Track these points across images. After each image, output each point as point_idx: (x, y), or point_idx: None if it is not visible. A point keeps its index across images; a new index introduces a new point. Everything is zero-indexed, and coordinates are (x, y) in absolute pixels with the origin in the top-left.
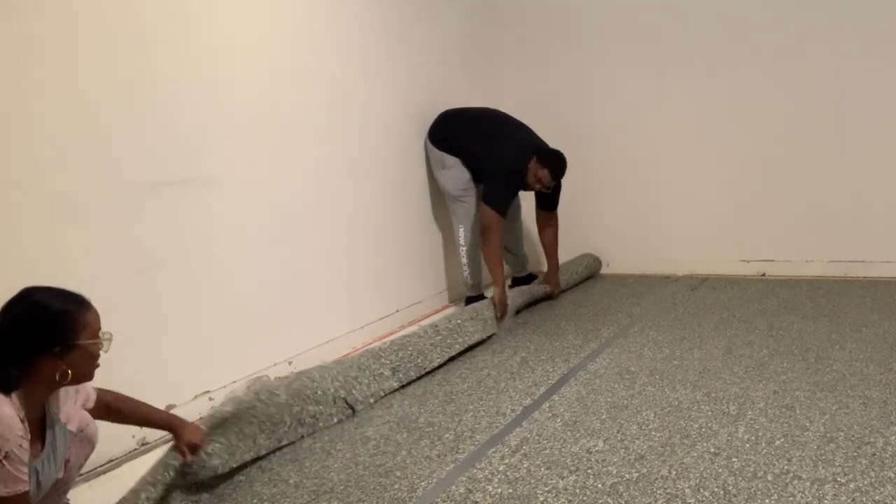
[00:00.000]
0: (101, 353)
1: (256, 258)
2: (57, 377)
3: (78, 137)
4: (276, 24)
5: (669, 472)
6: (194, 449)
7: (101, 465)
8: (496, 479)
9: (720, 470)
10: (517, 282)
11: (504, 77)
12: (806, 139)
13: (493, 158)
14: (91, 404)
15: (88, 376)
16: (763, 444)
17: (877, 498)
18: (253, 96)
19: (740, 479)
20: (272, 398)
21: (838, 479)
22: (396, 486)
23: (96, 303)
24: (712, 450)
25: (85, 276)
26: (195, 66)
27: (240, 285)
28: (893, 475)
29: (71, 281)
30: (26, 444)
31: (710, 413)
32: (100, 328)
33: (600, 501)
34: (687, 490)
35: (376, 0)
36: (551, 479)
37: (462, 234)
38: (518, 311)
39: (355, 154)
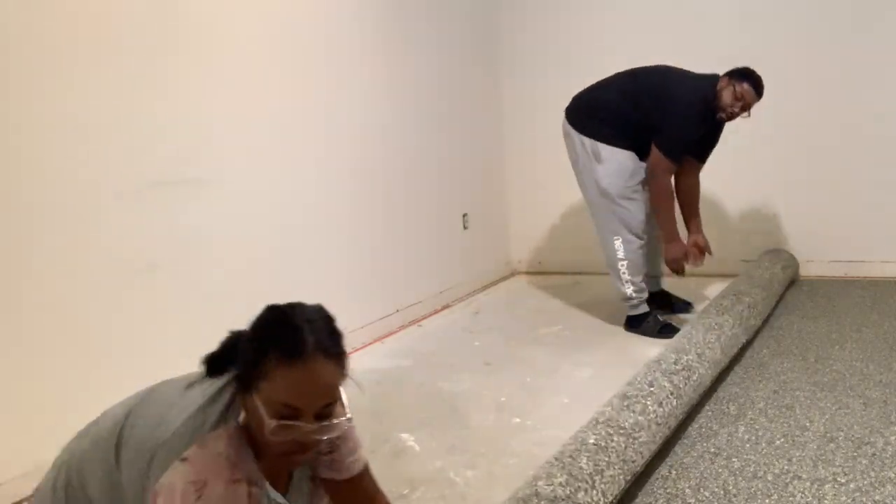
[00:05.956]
0: (281, 438)
1: (256, 258)
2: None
3: (78, 137)
4: (277, 23)
5: (669, 472)
6: None
7: None
8: None
9: (720, 470)
10: (651, 297)
11: (508, 76)
12: (806, 139)
13: (666, 107)
14: (346, 473)
15: (266, 444)
16: (763, 444)
17: (877, 498)
18: (253, 96)
19: (740, 479)
20: None
21: (838, 479)
22: None
23: (98, 302)
24: (712, 450)
25: (85, 277)
26: (196, 65)
27: (239, 285)
28: (893, 475)
29: (71, 281)
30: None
31: (710, 413)
32: (296, 409)
33: None
34: (687, 490)
35: (380, 0)
36: None
37: (622, 246)
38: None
39: (355, 154)
